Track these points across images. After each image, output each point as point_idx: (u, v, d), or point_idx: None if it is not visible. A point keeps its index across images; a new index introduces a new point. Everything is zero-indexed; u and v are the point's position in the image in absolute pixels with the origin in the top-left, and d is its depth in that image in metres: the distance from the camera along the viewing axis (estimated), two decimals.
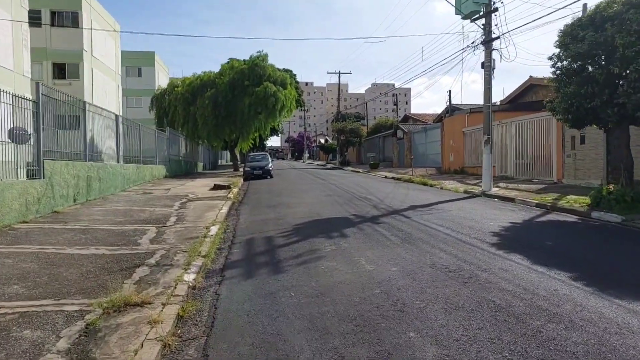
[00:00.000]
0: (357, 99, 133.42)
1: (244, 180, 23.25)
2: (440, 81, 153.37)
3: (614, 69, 8.87)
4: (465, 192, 15.19)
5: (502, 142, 19.65)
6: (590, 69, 9.98)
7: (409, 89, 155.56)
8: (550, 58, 10.97)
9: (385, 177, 24.52)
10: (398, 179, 22.30)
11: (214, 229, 8.35)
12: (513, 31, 14.32)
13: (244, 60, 29.31)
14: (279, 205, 11.88)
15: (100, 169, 13.16)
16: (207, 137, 29.08)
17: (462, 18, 15.23)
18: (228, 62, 29.61)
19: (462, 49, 22.80)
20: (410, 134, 31.84)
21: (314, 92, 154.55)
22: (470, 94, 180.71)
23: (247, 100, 27.10)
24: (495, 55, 14.89)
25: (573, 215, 9.58)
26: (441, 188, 16.88)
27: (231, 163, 37.86)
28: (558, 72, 10.82)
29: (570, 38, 10.04)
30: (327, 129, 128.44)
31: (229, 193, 14.69)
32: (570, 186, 14.58)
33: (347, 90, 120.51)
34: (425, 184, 18.52)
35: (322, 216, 9.71)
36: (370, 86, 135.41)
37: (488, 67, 14.91)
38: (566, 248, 6.41)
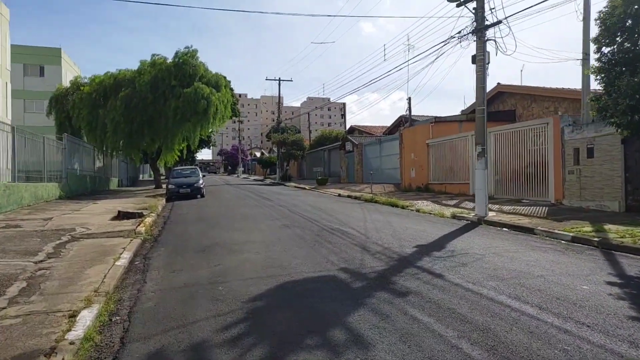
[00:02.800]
0: (293, 112, 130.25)
1: (167, 201, 18.51)
2: (370, 99, 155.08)
3: None
4: (455, 217, 12.04)
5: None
6: None
7: (344, 104, 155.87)
8: (595, 40, 8.08)
9: (340, 195, 21.03)
10: (357, 198, 18.88)
11: (86, 317, 4.15)
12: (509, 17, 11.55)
13: (172, 60, 24.48)
14: (216, 248, 7.74)
15: None
16: (120, 147, 23.80)
17: (449, 0, 12.25)
18: (151, 58, 24.57)
19: (407, 61, 20.29)
20: (361, 146, 28.78)
21: (248, 105, 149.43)
22: (398, 110, 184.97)
23: (172, 103, 22.39)
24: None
25: None
26: (417, 211, 13.66)
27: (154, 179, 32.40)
28: (606, 59, 7.94)
29: (637, 7, 7.16)
30: (261, 142, 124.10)
31: (139, 224, 10.20)
32: (577, 209, 11.97)
33: (282, 103, 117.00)
34: (395, 205, 15.23)
35: (292, 274, 5.78)
36: (305, 100, 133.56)
37: (481, 60, 11.99)
38: None
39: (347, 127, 44.64)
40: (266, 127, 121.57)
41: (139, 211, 11.42)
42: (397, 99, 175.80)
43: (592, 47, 8.20)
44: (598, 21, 8.06)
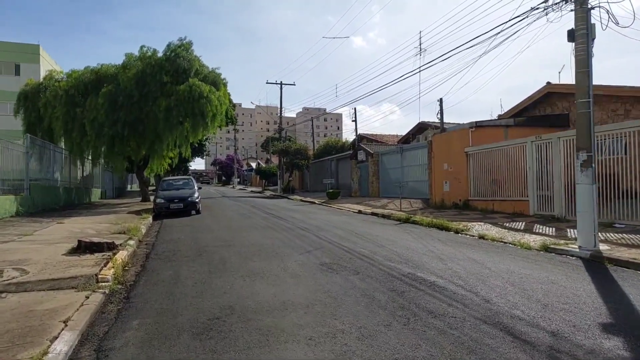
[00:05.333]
0: (288, 122, 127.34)
1: (154, 218, 15.04)
2: (362, 111, 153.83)
3: None
4: (548, 250, 8.71)
5: (539, 166, 13.79)
6: None
7: (340, 115, 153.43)
8: None
9: (360, 212, 17.70)
10: (385, 216, 15.56)
11: None
12: None
13: (163, 54, 21.10)
14: (231, 322, 4.33)
15: None
16: (101, 153, 20.34)
17: None
18: (140, 50, 21.20)
19: (419, 67, 17.39)
20: (378, 155, 25.49)
21: (243, 114, 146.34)
22: (389, 122, 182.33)
23: (163, 102, 19.04)
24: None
25: None
26: (481, 237, 10.35)
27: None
28: None
29: None
30: (256, 152, 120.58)
31: (106, 263, 6.76)
32: None
33: (276, 113, 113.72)
34: (445, 228, 11.95)
35: None
36: (301, 110, 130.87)
37: (584, 35, 8.81)
38: None
39: (340, 137, 41.76)
40: (261, 137, 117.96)
41: (109, 241, 7.95)
42: (388, 111, 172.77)
43: None
44: None
